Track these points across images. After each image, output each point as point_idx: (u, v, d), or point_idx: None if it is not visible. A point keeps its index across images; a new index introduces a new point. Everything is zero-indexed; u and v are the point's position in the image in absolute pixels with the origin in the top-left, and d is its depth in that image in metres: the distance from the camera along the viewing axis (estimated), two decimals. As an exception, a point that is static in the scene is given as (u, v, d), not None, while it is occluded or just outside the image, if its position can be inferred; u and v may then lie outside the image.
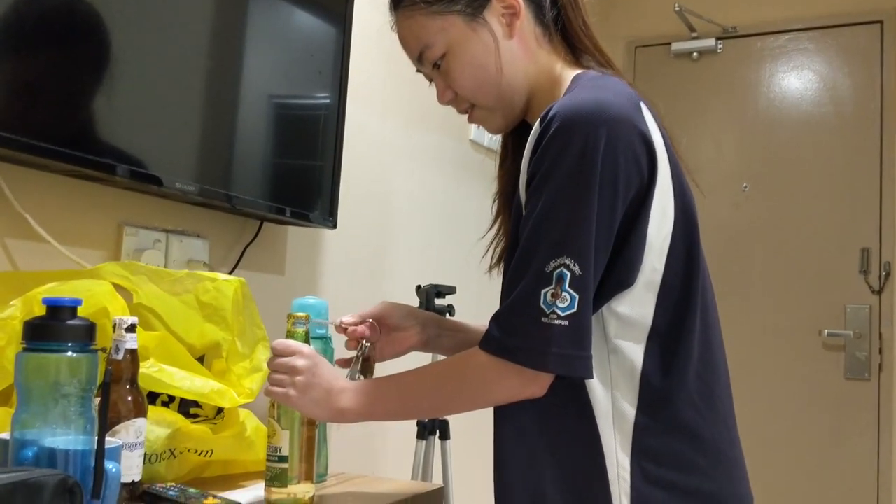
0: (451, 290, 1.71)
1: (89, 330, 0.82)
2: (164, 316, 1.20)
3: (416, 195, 2.17)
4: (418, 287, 1.73)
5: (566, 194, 0.93)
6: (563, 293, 0.91)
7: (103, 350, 0.82)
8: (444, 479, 1.78)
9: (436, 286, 1.70)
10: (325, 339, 1.23)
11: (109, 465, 0.82)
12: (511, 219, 1.11)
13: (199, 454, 1.15)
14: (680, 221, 0.99)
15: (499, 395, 0.98)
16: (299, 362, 1.02)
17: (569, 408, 0.97)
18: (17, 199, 1.14)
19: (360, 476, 1.29)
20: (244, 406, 1.21)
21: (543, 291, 0.92)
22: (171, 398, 1.22)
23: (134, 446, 0.99)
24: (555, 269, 0.92)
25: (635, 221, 0.96)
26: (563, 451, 0.98)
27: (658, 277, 0.97)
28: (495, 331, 0.96)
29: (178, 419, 1.13)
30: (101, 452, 0.78)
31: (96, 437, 0.80)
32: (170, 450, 1.11)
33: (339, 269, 1.84)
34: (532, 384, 0.95)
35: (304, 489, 1.05)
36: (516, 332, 0.93)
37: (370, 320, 1.14)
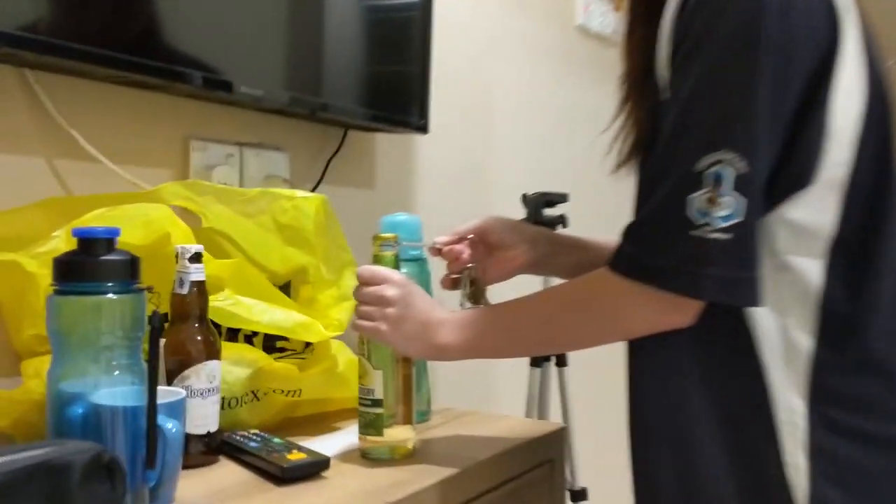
0: (562, 198, 1.51)
1: (131, 265, 0.67)
2: (239, 240, 1.06)
3: (516, 92, 1.94)
4: (524, 196, 1.54)
5: (725, 69, 0.71)
6: (723, 197, 0.71)
7: (150, 289, 0.68)
8: (563, 414, 1.62)
9: (544, 194, 1.50)
10: (420, 262, 1.06)
11: (168, 424, 0.69)
12: (643, 105, 0.90)
13: (286, 394, 1.02)
14: (872, 101, 0.76)
15: (633, 327, 0.79)
16: (390, 291, 0.86)
17: (724, 339, 0.78)
18: (63, 114, 1.00)
19: (467, 413, 1.14)
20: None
21: (694, 196, 0.72)
22: (255, 331, 1.10)
23: (207, 392, 0.86)
24: (710, 166, 0.71)
25: (814, 103, 0.73)
26: (717, 392, 0.79)
27: (844, 173, 0.74)
28: (630, 246, 0.76)
29: (260, 357, 1.00)
30: (152, 414, 0.64)
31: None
32: (252, 392, 0.98)
33: (433, 180, 1.66)
34: (676, 312, 0.76)
35: (402, 435, 0.90)
36: (658, 248, 0.74)
37: (470, 238, 0.96)
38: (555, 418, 1.66)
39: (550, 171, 2.04)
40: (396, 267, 0.90)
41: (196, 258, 0.88)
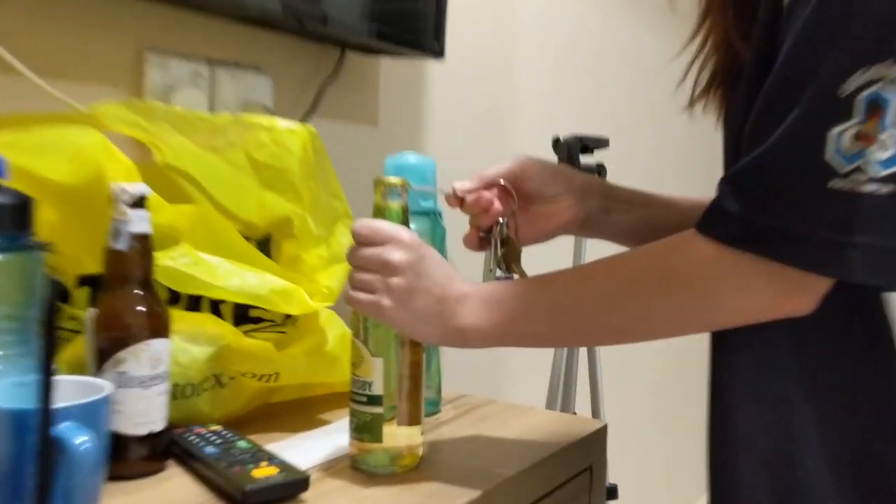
0: (601, 144, 1.31)
1: (19, 211, 0.48)
2: (203, 181, 0.87)
3: (547, 15, 1.73)
4: (556, 139, 1.34)
5: None
6: (883, 133, 0.51)
7: (47, 246, 0.49)
8: (592, 401, 1.43)
9: (581, 138, 1.30)
10: (433, 216, 0.87)
11: (77, 438, 0.50)
12: (735, 18, 0.70)
13: (260, 379, 0.83)
14: None
15: (736, 314, 0.60)
16: (396, 255, 0.67)
17: (846, 329, 0.60)
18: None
19: (484, 403, 0.96)
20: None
21: (838, 131, 0.52)
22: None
23: (150, 380, 0.68)
24: (863, 87, 0.51)
25: None
26: (833, 399, 0.61)
27: None
28: (734, 202, 0.57)
29: (226, 331, 0.81)
30: (45, 427, 0.45)
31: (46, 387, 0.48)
32: (214, 376, 0.80)
33: (448, 118, 1.46)
34: (799, 295, 0.57)
35: (407, 441, 0.72)
36: (781, 205, 0.54)
37: (500, 185, 0.77)
38: (580, 404, 1.49)
39: (586, 111, 1.84)
40: (405, 222, 0.71)
41: (139, 202, 0.68)
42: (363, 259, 0.68)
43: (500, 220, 0.75)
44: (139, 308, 0.68)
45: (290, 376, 0.85)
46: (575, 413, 1.37)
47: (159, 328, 0.69)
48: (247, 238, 0.93)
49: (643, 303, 0.61)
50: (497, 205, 0.75)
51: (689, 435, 2.70)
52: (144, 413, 0.67)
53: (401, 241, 0.67)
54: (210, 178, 0.87)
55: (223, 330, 0.81)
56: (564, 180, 0.77)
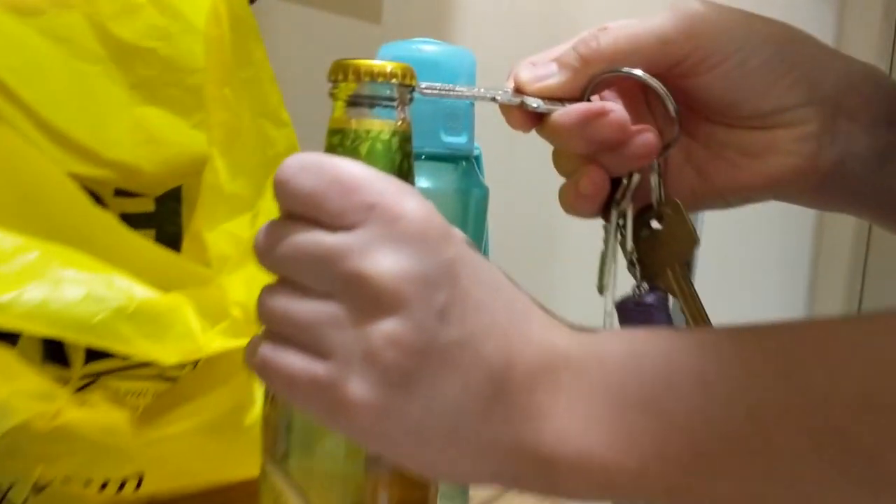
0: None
1: None
2: (7, 76, 0.47)
3: None
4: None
5: None
6: None
7: None
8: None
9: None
10: (465, 165, 0.46)
11: None
12: None
13: (103, 488, 0.43)
14: None
15: None
16: (386, 260, 0.25)
17: None
18: None
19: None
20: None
21: None
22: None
23: None
24: None
25: None
26: None
27: None
28: None
29: (25, 388, 0.41)
30: None
31: None
32: (-13, 490, 0.40)
33: (483, 18, 1.06)
34: None
35: None
36: None
37: (638, 75, 0.35)
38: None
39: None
40: (405, 172, 0.30)
41: None
42: (299, 261, 0.27)
43: (654, 163, 0.33)
44: None
45: (168, 476, 0.46)
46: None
47: None
48: (127, 194, 0.55)
49: None
50: (652, 135, 0.34)
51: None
52: None
53: (396, 218, 0.26)
54: (21, 68, 0.47)
55: (19, 386, 0.41)
56: (801, 77, 0.34)
